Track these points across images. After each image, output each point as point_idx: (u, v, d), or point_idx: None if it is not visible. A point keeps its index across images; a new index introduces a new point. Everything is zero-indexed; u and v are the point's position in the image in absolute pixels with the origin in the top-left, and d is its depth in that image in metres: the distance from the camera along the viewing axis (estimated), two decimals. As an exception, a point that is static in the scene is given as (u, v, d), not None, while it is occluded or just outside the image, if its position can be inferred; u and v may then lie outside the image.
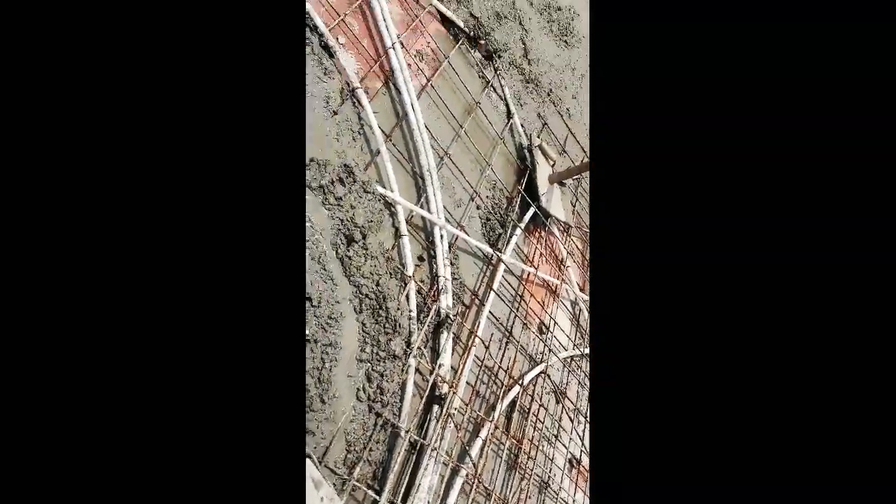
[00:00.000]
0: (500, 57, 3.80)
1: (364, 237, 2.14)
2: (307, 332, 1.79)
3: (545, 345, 3.36)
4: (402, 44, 2.95)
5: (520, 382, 3.00)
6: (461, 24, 3.52)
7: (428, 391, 2.39)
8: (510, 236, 3.33)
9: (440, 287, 2.61)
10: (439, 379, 2.42)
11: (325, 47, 2.48)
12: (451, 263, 2.80)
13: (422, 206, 2.74)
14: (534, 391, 3.13)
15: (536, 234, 3.69)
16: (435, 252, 2.72)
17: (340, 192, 2.11)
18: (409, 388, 2.27)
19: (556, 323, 3.55)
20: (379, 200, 2.35)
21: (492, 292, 2.99)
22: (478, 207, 3.22)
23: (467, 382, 2.68)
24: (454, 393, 2.45)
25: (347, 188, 2.16)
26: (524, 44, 4.10)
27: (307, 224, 1.97)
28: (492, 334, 2.98)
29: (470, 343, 2.68)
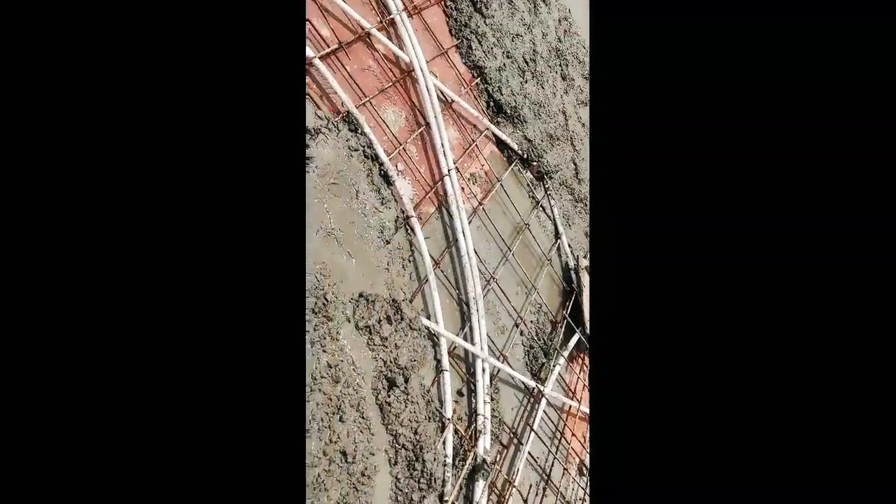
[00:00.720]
0: (551, 178, 3.82)
1: (406, 380, 2.05)
2: (337, 494, 1.67)
3: (584, 490, 3.11)
4: (457, 169, 3.00)
5: (556, 534, 2.74)
6: (515, 147, 3.59)
7: (458, 548, 2.19)
8: (553, 365, 3.19)
9: (478, 427, 2.46)
10: (471, 535, 2.22)
11: (385, 176, 2.52)
12: (492, 398, 2.66)
13: (465, 336, 2.66)
14: (570, 543, 2.86)
15: (580, 361, 3.53)
16: (475, 386, 2.60)
17: (387, 331, 2.05)
18: (439, 546, 2.08)
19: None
20: (424, 337, 2.27)
21: (532, 432, 2.81)
22: (521, 333, 3.11)
23: (500, 535, 2.45)
24: (486, 552, 2.24)
25: (394, 327, 2.10)
26: (575, 164, 4.14)
27: (350, 366, 1.90)
28: (529, 477, 2.78)
29: (507, 494, 2.49)
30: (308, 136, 2.21)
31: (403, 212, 2.56)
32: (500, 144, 3.57)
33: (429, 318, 2.47)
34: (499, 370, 2.75)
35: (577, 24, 4.98)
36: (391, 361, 2.05)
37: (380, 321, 2.05)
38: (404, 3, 3.07)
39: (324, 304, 1.89)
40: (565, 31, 4.73)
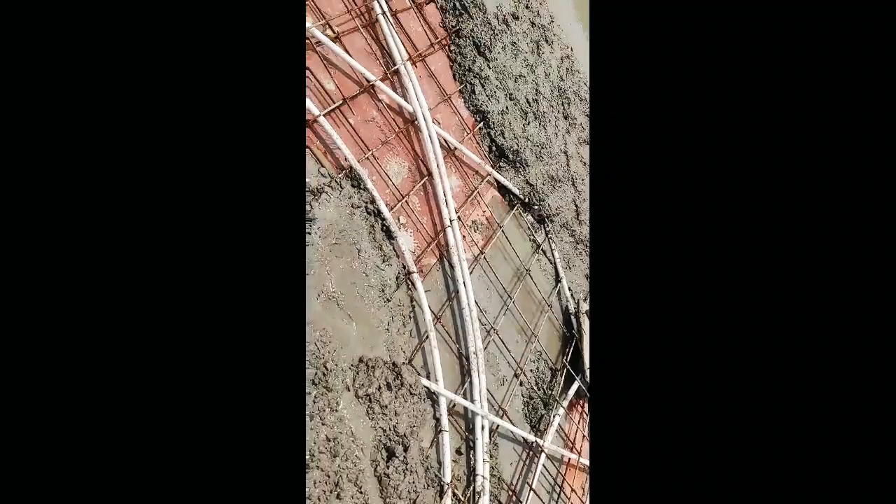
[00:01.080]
0: (552, 221, 3.82)
1: (406, 449, 2.02)
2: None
3: (584, 546, 3.06)
4: (459, 218, 2.99)
5: None
6: (517, 192, 3.59)
7: None
8: (553, 416, 3.15)
9: (477, 489, 2.42)
10: None
11: (387, 231, 2.51)
12: (491, 455, 2.62)
13: (465, 392, 2.63)
14: None
15: (579, 409, 3.50)
16: (474, 444, 2.56)
17: (386, 399, 2.02)
18: None
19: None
20: (423, 400, 2.25)
21: (531, 491, 2.77)
22: (521, 384, 3.09)
23: None
24: None
25: (394, 393, 2.07)
26: (576, 205, 4.14)
27: (349, 438, 1.87)
28: (527, 534, 2.73)
29: (505, 559, 2.45)
30: (311, 197, 2.20)
31: (405, 267, 2.54)
32: (502, 189, 3.57)
33: (428, 375, 2.44)
34: (498, 426, 2.72)
35: (580, 61, 5.02)
36: (391, 430, 2.02)
37: (379, 388, 2.02)
38: (408, 52, 3.08)
39: (323, 373, 1.87)
40: (567, 69, 4.76)
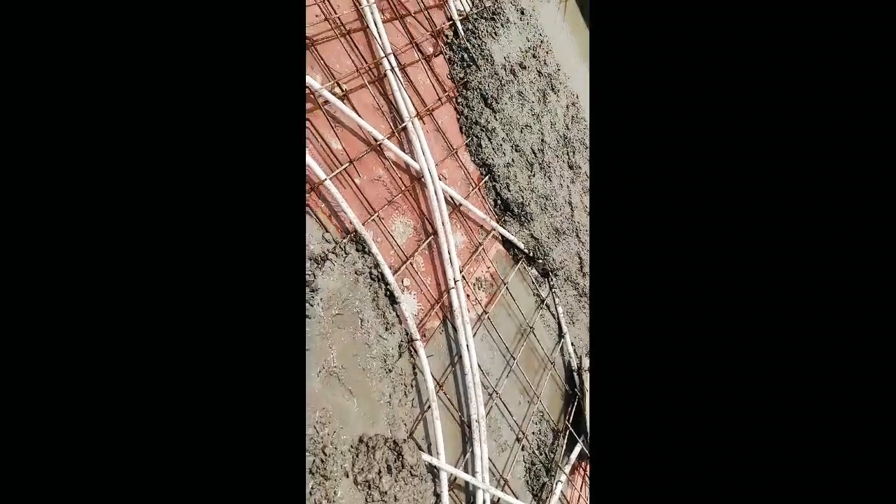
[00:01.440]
0: (556, 276, 3.76)
1: (405, 538, 1.92)
2: None
3: None
4: (464, 277, 2.93)
5: None
6: (521, 246, 3.53)
7: None
8: (555, 483, 3.05)
9: (478, 571, 2.31)
10: None
11: (391, 296, 2.44)
12: (491, 531, 2.52)
13: (466, 463, 2.53)
14: None
15: (581, 473, 3.40)
16: (475, 520, 2.46)
17: (387, 484, 1.93)
18: None
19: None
20: (424, 480, 2.15)
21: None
22: (523, 449, 2.99)
23: None
24: None
25: (394, 477, 1.98)
26: (580, 258, 4.09)
27: (346, 530, 1.77)
28: None
29: None
30: (314, 265, 2.13)
31: (408, 334, 2.47)
32: (507, 243, 3.52)
33: (429, 447, 2.35)
34: (500, 499, 2.62)
35: (585, 109, 5.02)
36: (390, 518, 1.92)
37: (380, 472, 1.93)
38: (416, 108, 3.06)
39: (322, 460, 1.78)
40: (573, 117, 4.76)
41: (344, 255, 2.27)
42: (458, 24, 3.70)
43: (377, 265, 2.42)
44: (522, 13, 4.45)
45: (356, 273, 2.29)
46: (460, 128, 3.50)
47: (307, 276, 2.07)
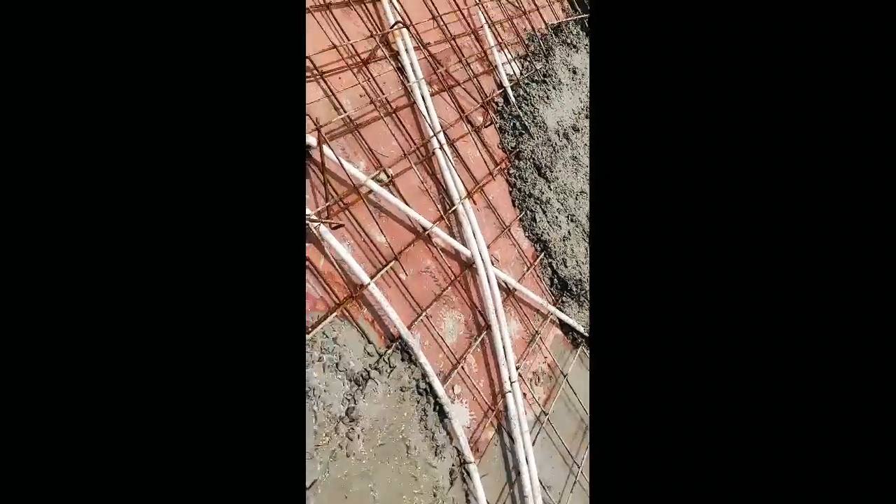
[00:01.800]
0: (620, 360, 3.39)
1: None
2: None
3: None
4: (520, 375, 2.62)
5: None
6: (581, 330, 3.20)
7: None
8: None
9: None
10: None
11: (440, 409, 2.15)
12: None
13: None
14: None
15: None
16: None
17: None
18: None
19: None
20: None
21: None
22: (590, 575, 2.59)
23: None
24: None
25: None
26: (645, 336, 3.71)
27: None
28: None
29: None
30: (356, 387, 1.88)
31: (460, 454, 2.16)
32: (565, 326, 3.19)
33: None
34: None
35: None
36: None
37: None
38: (466, 187, 2.83)
39: None
40: (629, 177, 4.45)
41: (388, 370, 2.01)
42: (509, 90, 3.49)
43: (425, 375, 2.14)
44: (574, 73, 4.22)
45: (401, 390, 2.02)
46: (513, 201, 3.24)
47: (349, 403, 1.81)
